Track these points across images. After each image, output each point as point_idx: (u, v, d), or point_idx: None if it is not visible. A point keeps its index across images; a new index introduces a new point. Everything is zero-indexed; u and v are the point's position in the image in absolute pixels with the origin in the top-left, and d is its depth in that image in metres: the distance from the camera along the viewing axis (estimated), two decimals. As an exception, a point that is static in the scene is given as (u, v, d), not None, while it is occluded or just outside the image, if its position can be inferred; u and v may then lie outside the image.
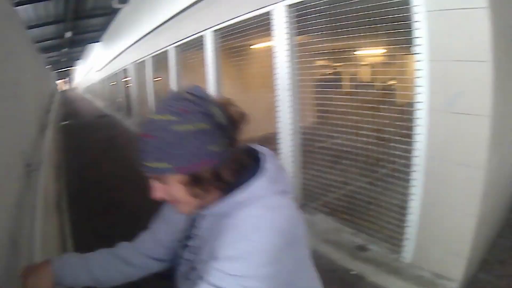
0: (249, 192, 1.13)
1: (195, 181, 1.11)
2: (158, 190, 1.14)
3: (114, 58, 15.90)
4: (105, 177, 6.76)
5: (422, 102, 2.98)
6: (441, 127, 2.89)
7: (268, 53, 4.75)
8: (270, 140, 4.83)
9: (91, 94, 33.40)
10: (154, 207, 1.41)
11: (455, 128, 2.80)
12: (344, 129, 4.03)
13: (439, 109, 2.87)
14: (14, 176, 1.97)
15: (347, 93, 4.87)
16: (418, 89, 2.99)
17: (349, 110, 4.12)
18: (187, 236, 1.37)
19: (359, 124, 3.92)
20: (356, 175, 4.26)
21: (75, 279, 1.41)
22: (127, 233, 1.56)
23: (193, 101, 1.09)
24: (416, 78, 3.00)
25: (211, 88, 6.29)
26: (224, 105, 1.13)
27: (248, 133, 1.15)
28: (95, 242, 1.70)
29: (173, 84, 8.19)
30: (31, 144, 3.15)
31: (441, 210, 3.04)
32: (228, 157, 1.13)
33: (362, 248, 3.81)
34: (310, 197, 4.58)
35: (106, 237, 1.93)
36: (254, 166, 1.19)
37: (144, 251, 1.49)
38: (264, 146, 1.25)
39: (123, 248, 1.50)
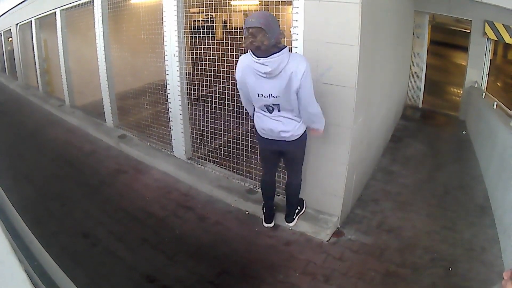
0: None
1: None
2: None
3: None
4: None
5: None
6: (315, 94, 3.33)
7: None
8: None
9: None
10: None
11: (326, 95, 3.39)
12: (217, 78, 4.43)
13: (313, 79, 3.25)
14: None
15: (219, 39, 5.09)
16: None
17: (221, 58, 4.39)
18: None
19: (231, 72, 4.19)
20: (234, 123, 4.59)
21: None
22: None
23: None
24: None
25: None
26: None
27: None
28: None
29: (61, 46, 7.80)
30: None
31: (317, 160, 3.69)
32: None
33: (251, 191, 4.33)
34: (199, 147, 5.01)
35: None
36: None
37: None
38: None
39: None
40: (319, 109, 3.11)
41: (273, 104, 3.09)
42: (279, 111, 3.13)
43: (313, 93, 3.00)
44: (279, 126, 3.18)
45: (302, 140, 3.32)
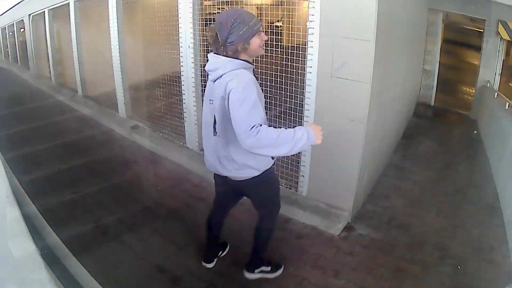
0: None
1: None
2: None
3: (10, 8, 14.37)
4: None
5: (311, 67, 3.53)
6: (328, 88, 3.46)
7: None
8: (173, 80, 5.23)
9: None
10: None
11: (340, 89, 3.40)
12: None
13: (327, 73, 3.44)
14: None
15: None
16: (309, 57, 3.52)
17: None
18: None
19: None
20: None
21: None
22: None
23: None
24: (309, 48, 3.50)
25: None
26: None
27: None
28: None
29: (74, 37, 7.93)
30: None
31: (330, 154, 3.68)
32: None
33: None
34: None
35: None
36: None
37: None
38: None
39: None
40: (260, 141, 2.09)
41: (215, 117, 2.46)
42: (218, 135, 2.51)
43: (247, 119, 2.12)
44: (215, 162, 2.64)
45: (259, 182, 2.63)
